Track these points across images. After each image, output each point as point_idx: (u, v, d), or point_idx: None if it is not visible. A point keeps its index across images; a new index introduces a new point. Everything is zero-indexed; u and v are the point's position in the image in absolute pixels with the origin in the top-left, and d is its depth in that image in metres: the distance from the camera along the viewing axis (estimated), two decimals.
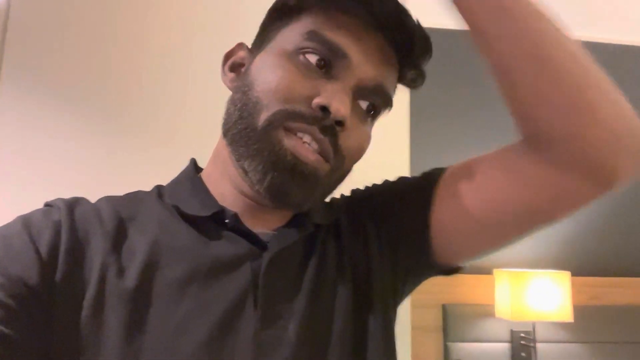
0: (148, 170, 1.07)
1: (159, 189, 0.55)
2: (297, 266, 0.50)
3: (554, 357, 1.94)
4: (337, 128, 0.47)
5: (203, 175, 0.55)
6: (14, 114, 1.07)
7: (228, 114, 0.51)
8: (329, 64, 0.48)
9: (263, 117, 0.47)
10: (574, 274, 1.84)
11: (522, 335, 1.89)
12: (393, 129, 1.18)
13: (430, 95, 2.06)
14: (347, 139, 0.49)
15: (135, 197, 0.53)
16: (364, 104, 0.50)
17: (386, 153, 1.17)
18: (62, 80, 1.10)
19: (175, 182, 0.56)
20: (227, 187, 0.52)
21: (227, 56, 0.56)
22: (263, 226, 0.51)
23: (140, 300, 0.43)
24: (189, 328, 0.43)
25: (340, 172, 0.51)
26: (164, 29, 1.17)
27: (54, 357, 0.41)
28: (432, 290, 1.91)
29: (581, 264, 2.07)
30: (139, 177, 1.05)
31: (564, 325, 1.95)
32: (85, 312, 0.42)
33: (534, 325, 1.81)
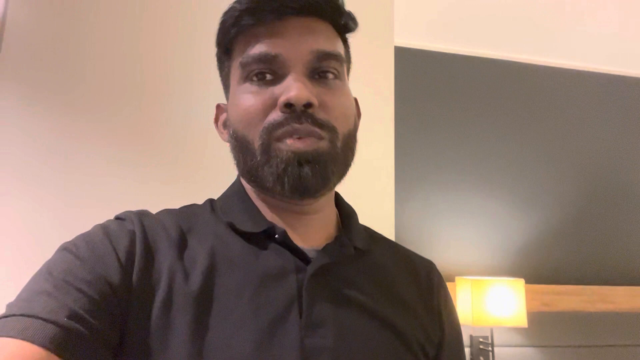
0: (149, 177, 1.10)
1: (211, 203, 0.61)
2: (338, 281, 0.54)
3: None
4: (309, 110, 0.52)
5: (247, 191, 0.60)
6: (10, 121, 1.08)
7: (237, 160, 0.57)
8: (271, 70, 0.54)
9: (256, 145, 0.53)
10: (527, 282, 1.93)
11: (481, 340, 1.98)
12: (379, 138, 1.25)
13: (413, 107, 2.18)
14: (325, 112, 0.53)
15: (191, 211, 0.59)
16: (322, 74, 0.55)
17: (373, 152, 1.25)
18: (56, 89, 1.12)
19: (226, 198, 0.61)
20: (267, 207, 0.58)
21: (216, 120, 0.63)
22: (309, 243, 0.57)
23: (203, 302, 0.48)
24: (243, 330, 0.47)
25: (344, 137, 0.55)
26: (158, 36, 1.20)
27: (126, 351, 0.45)
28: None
29: (533, 272, 2.17)
30: (141, 185, 1.08)
31: (519, 330, 2.05)
32: (155, 311, 0.47)
33: (491, 330, 1.89)
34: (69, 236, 0.53)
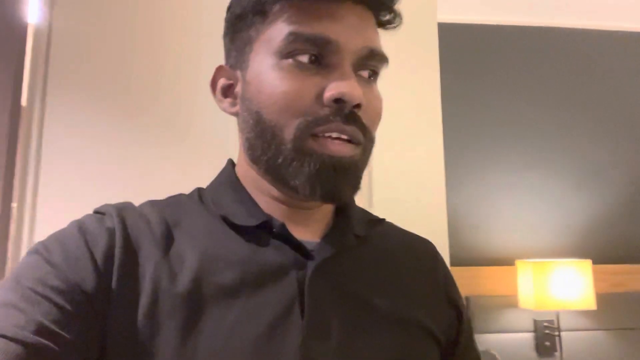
0: (188, 172, 1.12)
1: (199, 192, 0.55)
2: (341, 276, 0.51)
3: (578, 345, 1.96)
4: (357, 111, 0.47)
5: (241, 179, 0.55)
6: (60, 122, 1.14)
7: (249, 143, 0.51)
8: (320, 55, 0.47)
9: (288, 137, 0.47)
10: (594, 262, 1.84)
11: (546, 324, 1.91)
12: (426, 119, 1.22)
13: (460, 85, 2.10)
14: (366, 115, 0.49)
15: (178, 202, 0.54)
16: (364, 73, 0.50)
17: (420, 139, 1.21)
18: (101, 90, 1.17)
19: (216, 186, 0.56)
20: (265, 198, 0.53)
21: (213, 83, 0.55)
22: (307, 233, 0.52)
23: (192, 305, 0.44)
24: (239, 333, 0.43)
25: (371, 145, 0.51)
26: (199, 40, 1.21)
27: None
28: (456, 282, 1.90)
29: (601, 252, 2.07)
30: (180, 179, 1.10)
31: (586, 313, 1.96)
32: (140, 317, 0.42)
33: (557, 314, 1.83)
34: (77, 211, 0.50)
